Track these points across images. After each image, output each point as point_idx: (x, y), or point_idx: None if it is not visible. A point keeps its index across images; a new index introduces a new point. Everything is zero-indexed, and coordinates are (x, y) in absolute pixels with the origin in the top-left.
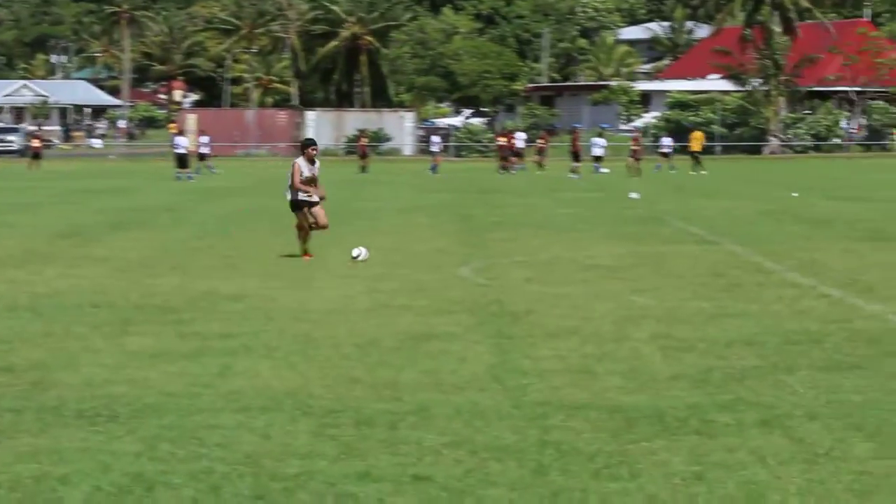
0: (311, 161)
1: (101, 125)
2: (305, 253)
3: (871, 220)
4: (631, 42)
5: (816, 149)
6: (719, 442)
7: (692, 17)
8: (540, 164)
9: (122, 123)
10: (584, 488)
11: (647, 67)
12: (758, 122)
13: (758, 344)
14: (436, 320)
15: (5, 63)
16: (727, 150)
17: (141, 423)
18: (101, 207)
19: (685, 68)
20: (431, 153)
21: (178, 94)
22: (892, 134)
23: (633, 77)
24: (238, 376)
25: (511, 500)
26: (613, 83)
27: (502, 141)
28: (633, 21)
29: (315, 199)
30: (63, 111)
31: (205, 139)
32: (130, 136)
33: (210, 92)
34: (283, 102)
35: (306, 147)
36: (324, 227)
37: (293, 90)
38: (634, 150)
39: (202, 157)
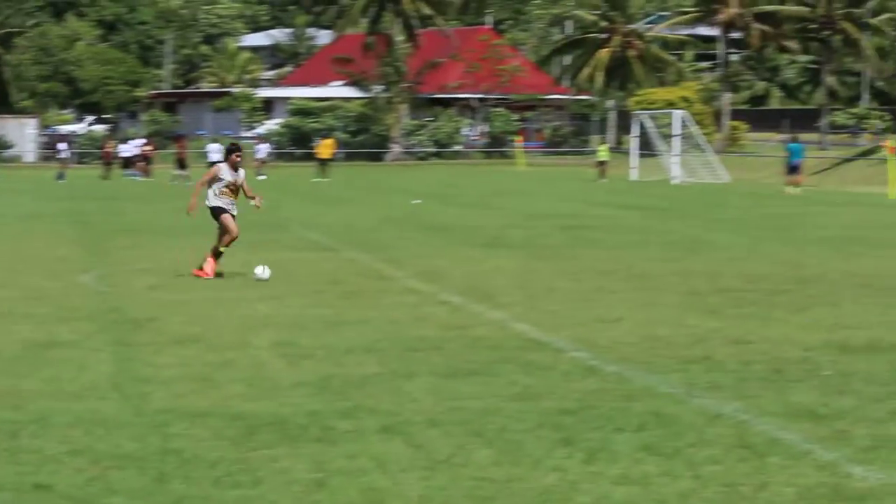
0: (235, 168)
1: None
2: (201, 270)
3: (491, 227)
4: (254, 49)
5: (438, 155)
6: (340, 449)
7: (315, 24)
8: (145, 172)
9: None
10: (206, 496)
11: (271, 74)
12: (380, 128)
13: (378, 351)
14: (57, 328)
15: None
16: (350, 156)
17: None
18: None
19: (308, 75)
20: (59, 160)
21: None
22: (513, 141)
23: (256, 84)
24: None
25: None
26: (236, 90)
27: (110, 147)
28: (256, 28)
29: (234, 210)
30: None
31: None
32: None
33: None
34: None
35: (231, 153)
36: (233, 237)
37: None
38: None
39: None
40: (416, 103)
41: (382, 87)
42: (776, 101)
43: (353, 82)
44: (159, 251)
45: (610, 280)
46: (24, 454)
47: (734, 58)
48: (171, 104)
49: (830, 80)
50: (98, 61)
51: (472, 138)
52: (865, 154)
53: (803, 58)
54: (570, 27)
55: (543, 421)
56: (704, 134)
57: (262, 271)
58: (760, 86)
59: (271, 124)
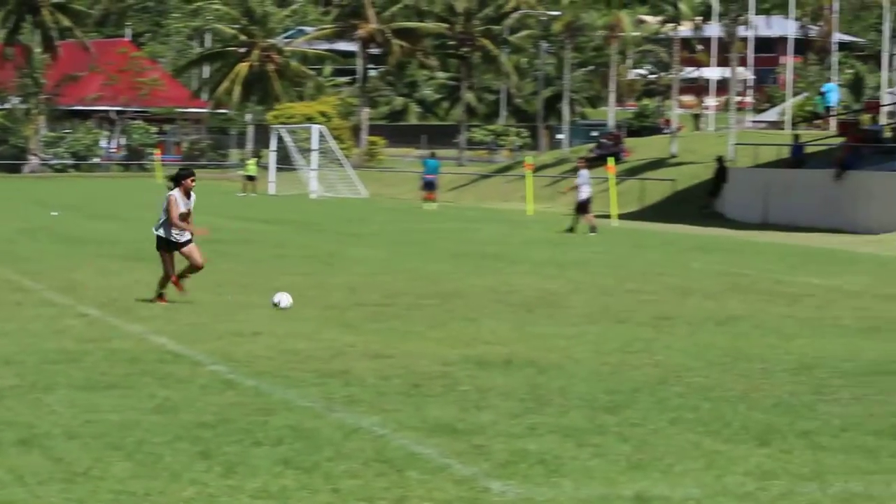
0: (188, 194)
1: None
2: (161, 297)
3: (129, 241)
4: None
5: (77, 168)
6: None
7: None
8: None
9: None
10: None
11: None
12: (17, 140)
13: (16, 363)
14: None
15: None
16: None
17: None
18: None
19: None
20: None
21: None
22: (151, 154)
23: None
24: None
25: None
26: None
27: None
28: None
29: (187, 237)
30: None
31: None
32: None
33: None
34: None
35: (184, 178)
36: (199, 267)
37: None
38: None
39: None
40: (54, 115)
41: (20, 98)
42: (415, 117)
43: None
44: None
45: (249, 294)
46: None
47: (373, 73)
48: None
49: (469, 96)
50: None
51: (111, 151)
52: (503, 170)
53: (442, 74)
54: (209, 40)
55: (182, 434)
56: (343, 149)
57: (280, 299)
58: (399, 101)
59: None
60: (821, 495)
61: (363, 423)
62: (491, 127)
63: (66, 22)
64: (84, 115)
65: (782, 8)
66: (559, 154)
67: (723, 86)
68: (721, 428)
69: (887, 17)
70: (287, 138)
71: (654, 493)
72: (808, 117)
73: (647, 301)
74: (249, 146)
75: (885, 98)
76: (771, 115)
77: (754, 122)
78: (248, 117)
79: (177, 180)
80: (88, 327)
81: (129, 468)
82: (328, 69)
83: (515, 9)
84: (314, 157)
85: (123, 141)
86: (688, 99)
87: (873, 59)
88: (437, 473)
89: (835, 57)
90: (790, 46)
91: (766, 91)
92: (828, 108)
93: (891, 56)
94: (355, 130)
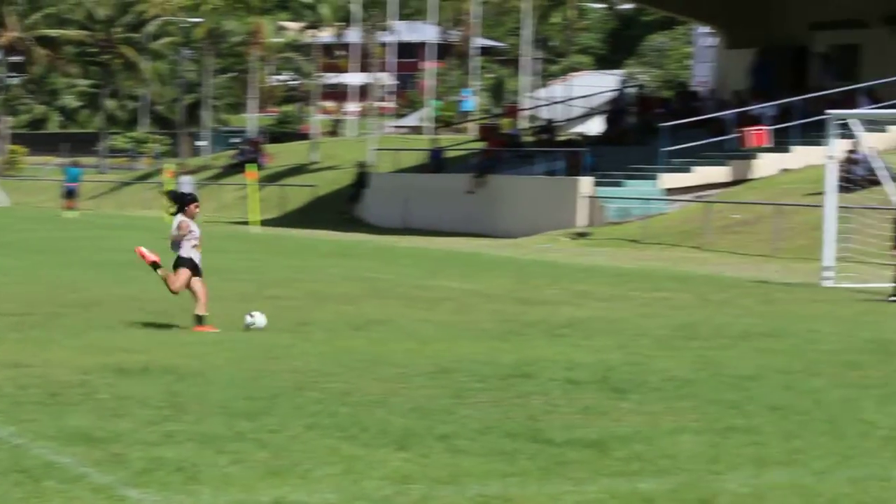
0: (193, 219)
1: None
2: (203, 323)
3: None
4: None
5: None
6: None
7: None
8: None
9: None
10: None
11: None
12: None
13: None
14: None
15: None
16: None
17: None
18: None
19: None
20: None
21: None
22: None
23: None
24: None
25: None
26: None
27: None
28: None
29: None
30: None
31: None
32: None
33: None
34: None
35: (190, 203)
36: (173, 292)
37: None
38: None
39: None
40: None
41: None
42: (55, 125)
43: None
44: None
45: None
46: None
47: (14, 81)
48: None
49: (110, 103)
50: None
51: None
52: (143, 178)
53: (84, 82)
54: None
55: None
56: None
57: (252, 320)
58: (40, 109)
59: None
60: (459, 498)
61: (0, 434)
62: (132, 134)
63: None
64: None
65: (423, 14)
66: (201, 161)
67: (365, 91)
68: (359, 433)
69: (527, 23)
70: None
71: (292, 499)
72: (448, 122)
73: (286, 307)
74: None
75: (525, 102)
76: (412, 119)
77: (396, 126)
78: None
79: (182, 205)
80: None
81: None
82: None
83: (156, 16)
84: None
85: None
86: (329, 104)
87: (514, 63)
88: (75, 482)
89: (475, 62)
90: (431, 51)
91: (407, 96)
92: (465, 113)
93: (530, 61)
94: None
